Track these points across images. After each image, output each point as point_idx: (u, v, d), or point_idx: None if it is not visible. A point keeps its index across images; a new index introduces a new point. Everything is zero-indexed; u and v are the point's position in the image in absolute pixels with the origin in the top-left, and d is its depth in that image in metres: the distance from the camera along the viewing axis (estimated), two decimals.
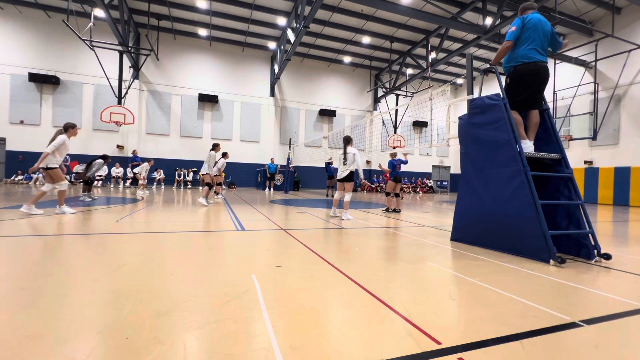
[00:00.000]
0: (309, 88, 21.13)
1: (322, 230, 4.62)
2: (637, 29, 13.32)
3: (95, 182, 15.32)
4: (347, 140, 5.96)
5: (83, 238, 3.54)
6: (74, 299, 1.78)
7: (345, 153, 5.85)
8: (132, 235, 3.79)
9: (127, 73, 16.54)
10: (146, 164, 11.59)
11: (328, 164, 13.37)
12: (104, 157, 8.52)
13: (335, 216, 6.11)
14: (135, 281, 2.13)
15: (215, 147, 8.26)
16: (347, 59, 20.47)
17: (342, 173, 5.92)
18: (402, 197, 13.59)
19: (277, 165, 16.22)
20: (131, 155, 14.40)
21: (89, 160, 8.19)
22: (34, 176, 15.15)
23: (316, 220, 5.61)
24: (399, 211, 7.68)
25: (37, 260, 2.58)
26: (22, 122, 15.68)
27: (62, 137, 5.36)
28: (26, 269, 2.30)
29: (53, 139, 5.32)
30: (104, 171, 15.56)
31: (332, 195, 12.87)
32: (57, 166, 5.37)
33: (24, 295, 1.80)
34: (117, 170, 15.76)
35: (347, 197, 5.92)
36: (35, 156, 15.67)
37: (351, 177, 5.91)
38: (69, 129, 5.52)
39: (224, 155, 9.47)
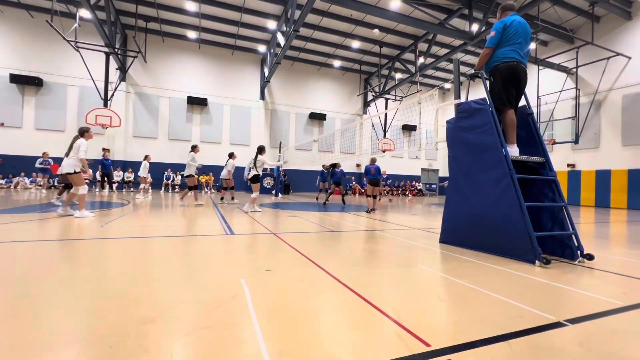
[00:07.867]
0: (299, 91, 21.16)
1: (313, 234, 4.61)
2: (616, 36, 13.85)
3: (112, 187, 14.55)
4: (262, 149, 7.49)
5: (66, 244, 3.43)
6: (56, 306, 1.72)
7: (256, 160, 7.29)
8: (117, 240, 3.69)
9: (114, 75, 16.21)
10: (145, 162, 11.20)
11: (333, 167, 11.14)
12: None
13: (255, 211, 7.22)
14: (120, 287, 2.07)
15: (194, 148, 8.49)
16: (337, 63, 20.61)
17: (251, 174, 7.40)
18: (379, 199, 14.38)
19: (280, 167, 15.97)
20: (100, 158, 12.93)
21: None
22: (15, 180, 14.66)
23: (307, 224, 5.59)
24: (373, 211, 8.39)
25: (17, 267, 2.49)
26: (2, 124, 15.19)
27: (84, 141, 5.61)
28: (5, 276, 2.22)
29: (74, 146, 5.58)
30: (117, 176, 15.10)
31: (327, 200, 11.72)
32: (80, 171, 5.59)
33: (2, 303, 1.73)
34: (118, 174, 15.42)
35: (256, 194, 7.38)
36: (16, 159, 15.27)
37: (257, 178, 7.39)
38: (84, 132, 5.77)
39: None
